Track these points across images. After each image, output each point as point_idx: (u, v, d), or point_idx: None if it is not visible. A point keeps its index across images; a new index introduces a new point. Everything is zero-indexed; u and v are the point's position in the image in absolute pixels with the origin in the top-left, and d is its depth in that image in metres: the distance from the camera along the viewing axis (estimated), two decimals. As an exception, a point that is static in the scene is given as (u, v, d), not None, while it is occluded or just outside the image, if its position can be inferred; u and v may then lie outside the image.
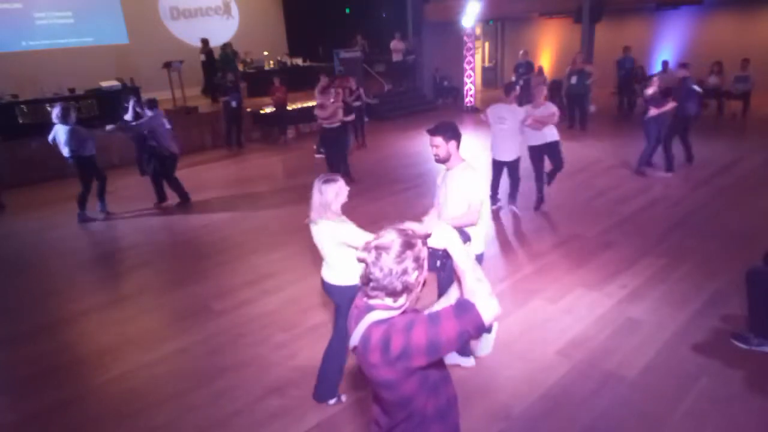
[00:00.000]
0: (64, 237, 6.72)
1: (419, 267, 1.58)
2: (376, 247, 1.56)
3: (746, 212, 5.99)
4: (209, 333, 4.27)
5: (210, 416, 3.32)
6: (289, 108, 11.91)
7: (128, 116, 8.87)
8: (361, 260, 1.58)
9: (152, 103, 7.44)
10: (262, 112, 11.89)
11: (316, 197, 2.94)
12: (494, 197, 6.46)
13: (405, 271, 1.55)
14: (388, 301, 1.59)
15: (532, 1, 13.40)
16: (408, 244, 1.56)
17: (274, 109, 11.64)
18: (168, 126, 7.45)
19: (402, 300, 1.60)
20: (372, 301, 1.61)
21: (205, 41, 12.88)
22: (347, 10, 16.31)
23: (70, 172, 9.58)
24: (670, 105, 7.16)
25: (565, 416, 3.11)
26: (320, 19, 15.64)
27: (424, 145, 9.29)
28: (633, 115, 11.29)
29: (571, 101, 10.92)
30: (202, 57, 12.94)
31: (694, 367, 3.46)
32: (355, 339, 1.60)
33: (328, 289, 3.19)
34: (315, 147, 9.79)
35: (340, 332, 3.19)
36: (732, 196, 6.53)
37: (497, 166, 6.26)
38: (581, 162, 8.41)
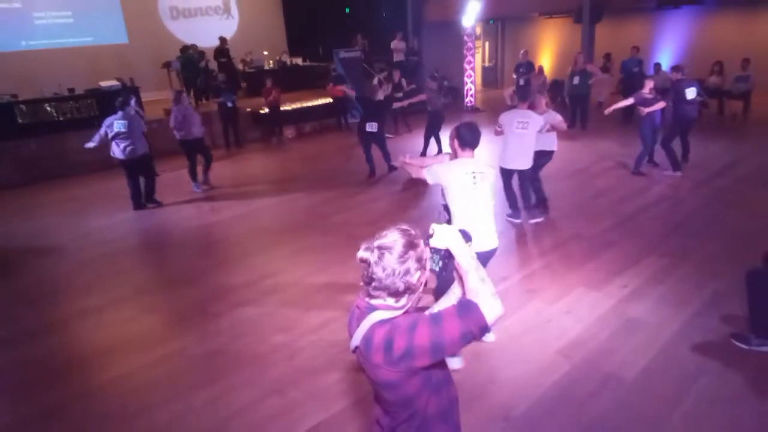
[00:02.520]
0: (65, 237, 6.72)
1: (421, 267, 1.58)
2: (379, 247, 1.55)
3: (747, 213, 5.98)
4: (209, 333, 4.26)
5: (210, 416, 3.32)
6: (284, 108, 11.89)
7: None
8: (363, 260, 1.57)
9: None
10: (261, 111, 11.89)
11: None
12: (513, 206, 6.14)
13: (407, 272, 1.54)
14: (390, 301, 1.59)
15: (533, 1, 13.40)
16: (411, 245, 1.56)
17: (267, 110, 11.63)
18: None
19: (404, 300, 1.60)
20: (374, 302, 1.60)
21: (222, 39, 12.71)
22: (347, 10, 16.30)
23: (71, 171, 9.68)
24: (660, 104, 7.16)
25: (565, 417, 3.11)
26: (320, 19, 15.63)
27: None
28: (633, 116, 11.27)
29: (574, 101, 10.92)
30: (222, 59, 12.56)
31: (694, 368, 3.45)
32: (356, 340, 1.60)
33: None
34: None
35: None
36: (733, 197, 6.52)
37: (507, 175, 5.94)
38: (582, 162, 8.41)
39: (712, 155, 8.26)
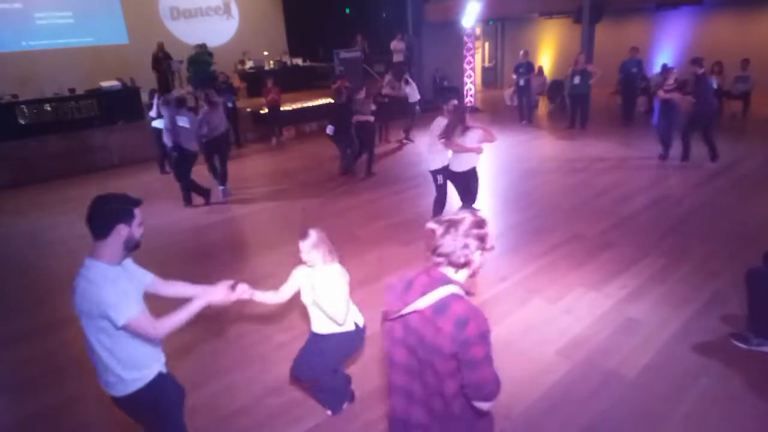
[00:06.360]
0: (65, 237, 6.72)
1: (482, 247, 1.76)
2: (449, 221, 1.74)
3: (746, 212, 5.99)
4: (209, 333, 4.26)
5: (210, 416, 3.32)
6: (284, 109, 11.88)
7: (152, 113, 8.99)
8: (431, 230, 1.76)
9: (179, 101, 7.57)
10: (261, 112, 11.89)
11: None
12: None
13: (467, 246, 1.72)
14: (450, 271, 1.75)
15: (532, 2, 13.40)
16: (477, 224, 1.75)
17: (267, 110, 11.64)
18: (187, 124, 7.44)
19: (461, 275, 1.76)
20: (443, 269, 1.75)
21: (159, 44, 12.49)
22: (347, 10, 16.31)
23: (72, 172, 9.69)
24: (688, 98, 7.28)
25: (565, 416, 3.12)
26: (320, 19, 15.64)
27: (425, 145, 9.32)
28: (633, 116, 11.27)
29: (574, 101, 10.92)
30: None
31: (694, 367, 3.46)
32: (422, 303, 1.70)
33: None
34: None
35: None
36: (732, 196, 6.53)
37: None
38: (581, 162, 8.41)
39: (711, 155, 8.27)
